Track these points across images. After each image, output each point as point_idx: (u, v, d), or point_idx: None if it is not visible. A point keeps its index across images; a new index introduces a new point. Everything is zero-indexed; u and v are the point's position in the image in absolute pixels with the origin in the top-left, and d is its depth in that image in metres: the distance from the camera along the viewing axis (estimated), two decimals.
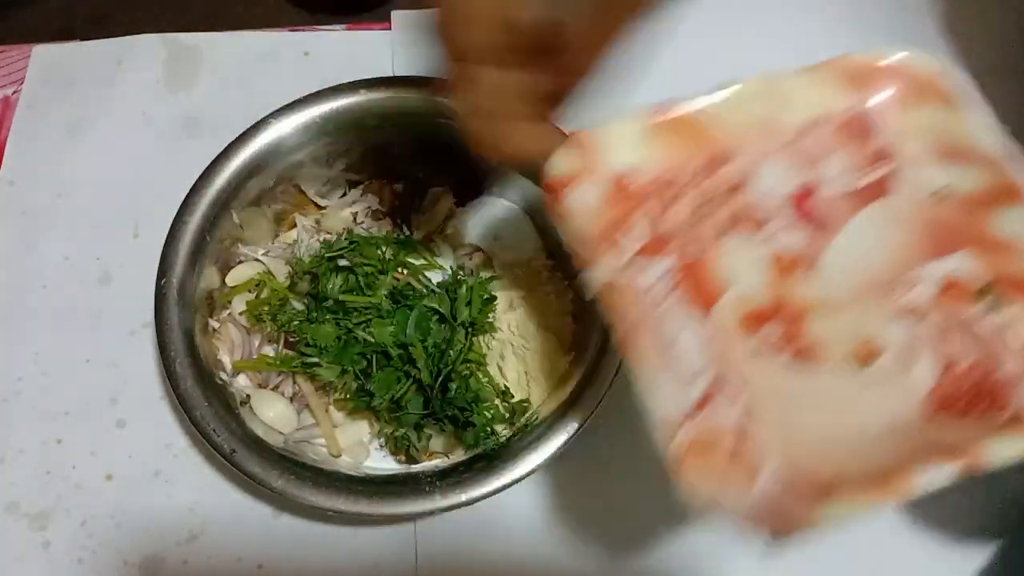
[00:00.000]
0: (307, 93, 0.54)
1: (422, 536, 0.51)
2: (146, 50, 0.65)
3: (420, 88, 0.54)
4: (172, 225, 0.50)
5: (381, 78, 0.55)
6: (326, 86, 0.63)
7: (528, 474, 0.45)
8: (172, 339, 0.48)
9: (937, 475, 0.32)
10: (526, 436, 0.48)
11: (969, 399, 0.36)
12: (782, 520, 0.32)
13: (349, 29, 0.67)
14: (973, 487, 0.53)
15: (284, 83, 0.64)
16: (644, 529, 0.52)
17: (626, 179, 0.41)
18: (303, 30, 0.67)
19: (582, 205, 0.40)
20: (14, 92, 0.64)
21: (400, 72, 0.64)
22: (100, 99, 0.63)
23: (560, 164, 0.40)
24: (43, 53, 0.65)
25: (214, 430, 0.46)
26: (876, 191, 0.41)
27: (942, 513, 0.52)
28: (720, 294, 0.39)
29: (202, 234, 0.51)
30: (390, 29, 0.66)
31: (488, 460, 0.47)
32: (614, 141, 0.41)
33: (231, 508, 0.52)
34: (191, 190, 0.52)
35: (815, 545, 0.51)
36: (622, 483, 0.52)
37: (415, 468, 0.51)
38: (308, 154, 0.55)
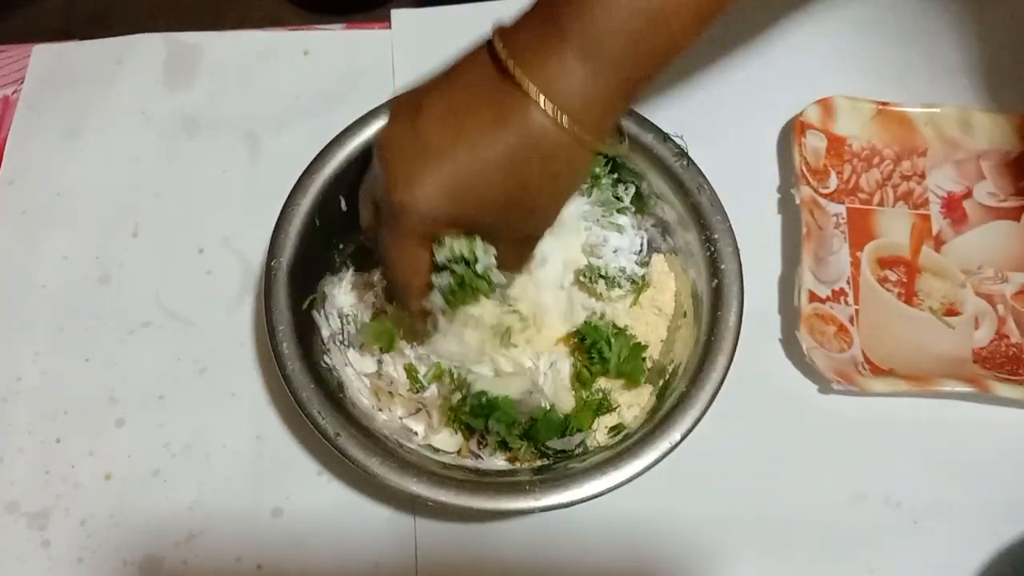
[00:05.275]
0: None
1: (422, 536, 0.51)
2: (146, 50, 0.65)
3: None
4: (284, 206, 0.50)
5: None
6: (326, 86, 0.63)
7: (626, 481, 0.45)
8: (279, 320, 0.47)
9: (956, 387, 0.51)
10: (621, 441, 0.47)
11: (1004, 361, 0.55)
12: (846, 377, 0.51)
13: (349, 28, 0.67)
14: (973, 487, 0.53)
15: (284, 83, 0.65)
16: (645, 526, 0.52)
17: (847, 141, 0.61)
18: (303, 29, 0.67)
19: (812, 146, 0.59)
20: (14, 92, 0.64)
21: (400, 70, 0.64)
22: (100, 99, 0.63)
23: (811, 113, 0.59)
24: (43, 53, 0.65)
25: (319, 412, 0.46)
26: (1012, 213, 0.60)
27: (942, 513, 0.52)
28: (873, 239, 0.58)
29: (312, 218, 0.50)
30: (390, 28, 0.66)
31: (581, 462, 0.46)
32: (848, 112, 0.60)
33: (230, 508, 0.52)
34: (304, 172, 0.51)
35: (815, 545, 0.51)
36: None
37: (508, 466, 0.50)
38: None
